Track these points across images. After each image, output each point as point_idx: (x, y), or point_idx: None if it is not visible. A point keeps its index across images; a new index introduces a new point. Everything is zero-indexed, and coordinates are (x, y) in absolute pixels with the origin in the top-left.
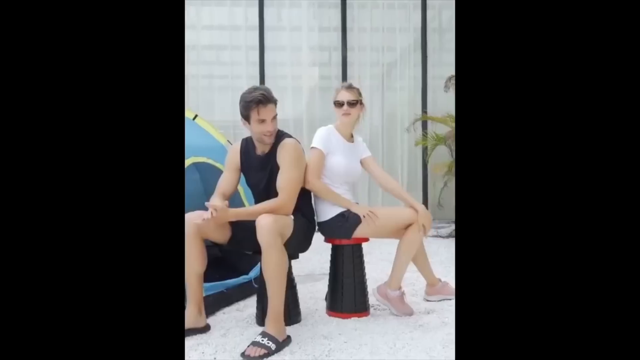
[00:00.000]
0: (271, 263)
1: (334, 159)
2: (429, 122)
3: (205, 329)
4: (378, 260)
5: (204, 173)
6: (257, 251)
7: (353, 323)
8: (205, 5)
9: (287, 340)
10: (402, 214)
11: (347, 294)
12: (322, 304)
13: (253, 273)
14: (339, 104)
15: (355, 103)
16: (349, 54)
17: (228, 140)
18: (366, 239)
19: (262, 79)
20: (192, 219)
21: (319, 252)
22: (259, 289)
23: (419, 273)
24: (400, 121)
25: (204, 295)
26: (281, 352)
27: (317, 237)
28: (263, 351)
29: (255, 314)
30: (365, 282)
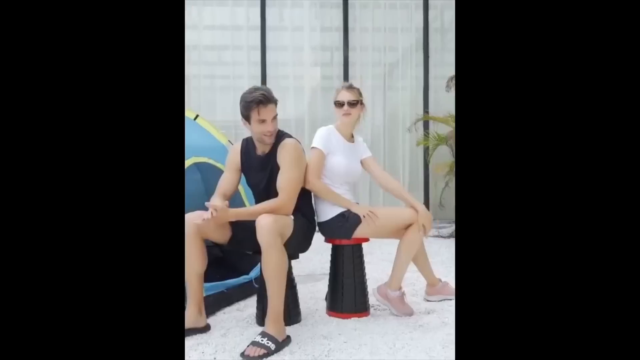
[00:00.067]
0: (271, 263)
1: (334, 159)
2: (431, 122)
3: (206, 328)
4: (379, 260)
5: (205, 173)
6: (257, 251)
7: (353, 323)
8: (207, 5)
9: (287, 340)
10: (402, 214)
11: (347, 294)
12: (323, 304)
13: (254, 273)
14: (339, 104)
15: (356, 103)
16: (350, 54)
17: (229, 141)
18: (366, 239)
19: (263, 79)
20: (192, 219)
21: (320, 252)
22: (259, 289)
23: (419, 273)
24: (402, 121)
25: (204, 295)
26: (281, 352)
27: (318, 237)
28: (262, 351)
29: (255, 314)
30: (366, 282)
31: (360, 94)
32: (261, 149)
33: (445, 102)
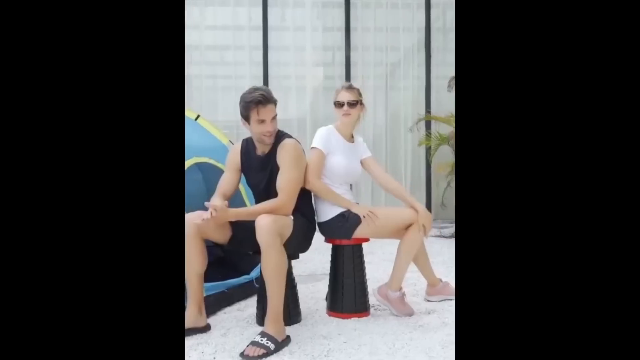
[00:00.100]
0: (270, 263)
1: (334, 159)
2: (433, 122)
3: (206, 328)
4: (380, 260)
5: (206, 173)
6: (257, 251)
7: (353, 323)
8: (208, 5)
9: (287, 340)
10: (402, 214)
11: (348, 294)
12: (323, 304)
13: (254, 273)
14: (339, 105)
15: (356, 103)
16: (352, 53)
17: (230, 141)
18: (366, 239)
19: (265, 79)
20: (192, 219)
21: (321, 252)
22: (259, 289)
23: (419, 273)
24: (404, 121)
25: (205, 295)
26: (280, 352)
27: (319, 237)
28: (262, 351)
29: (255, 314)
30: (366, 283)
31: (360, 94)
32: (261, 149)
33: (447, 102)
